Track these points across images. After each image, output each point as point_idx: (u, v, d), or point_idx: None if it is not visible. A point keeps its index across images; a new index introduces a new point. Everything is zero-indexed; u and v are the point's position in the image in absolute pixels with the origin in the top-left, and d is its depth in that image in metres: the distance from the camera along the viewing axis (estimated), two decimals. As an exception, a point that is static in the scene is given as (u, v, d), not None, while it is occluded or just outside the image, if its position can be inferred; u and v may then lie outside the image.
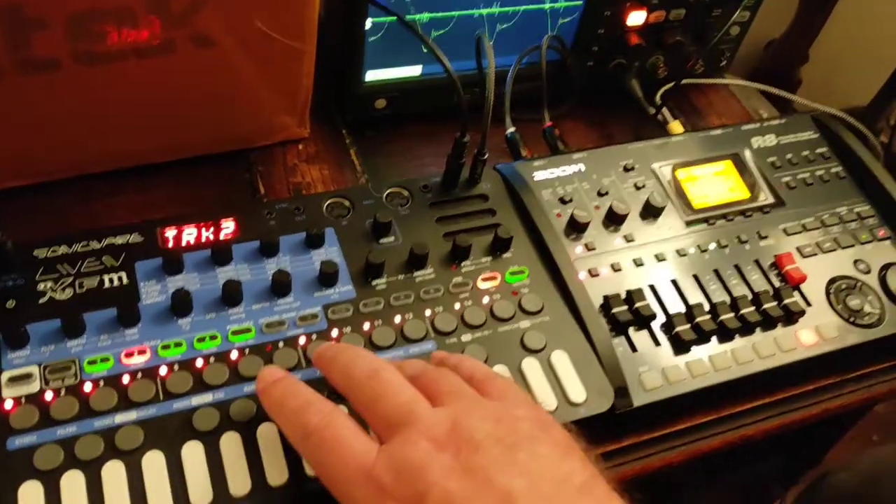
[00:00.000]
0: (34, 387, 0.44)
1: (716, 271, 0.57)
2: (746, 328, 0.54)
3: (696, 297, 0.55)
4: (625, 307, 0.53)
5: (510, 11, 0.65)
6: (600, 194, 0.59)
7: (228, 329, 0.48)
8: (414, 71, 0.66)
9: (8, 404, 0.43)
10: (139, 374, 0.45)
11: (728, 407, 0.54)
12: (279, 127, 0.64)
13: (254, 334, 0.48)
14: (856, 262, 0.60)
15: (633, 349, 0.52)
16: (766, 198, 0.62)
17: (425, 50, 0.52)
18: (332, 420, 0.38)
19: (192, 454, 0.42)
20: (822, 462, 0.95)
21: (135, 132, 0.58)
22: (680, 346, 0.53)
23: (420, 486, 0.34)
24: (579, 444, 0.38)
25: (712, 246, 0.58)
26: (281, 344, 0.48)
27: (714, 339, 0.54)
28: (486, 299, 0.52)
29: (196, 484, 0.41)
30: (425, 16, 0.62)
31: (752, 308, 0.55)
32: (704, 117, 0.77)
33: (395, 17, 0.56)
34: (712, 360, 0.53)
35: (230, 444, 0.43)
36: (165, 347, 0.46)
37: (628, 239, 0.58)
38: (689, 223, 0.59)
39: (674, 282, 0.56)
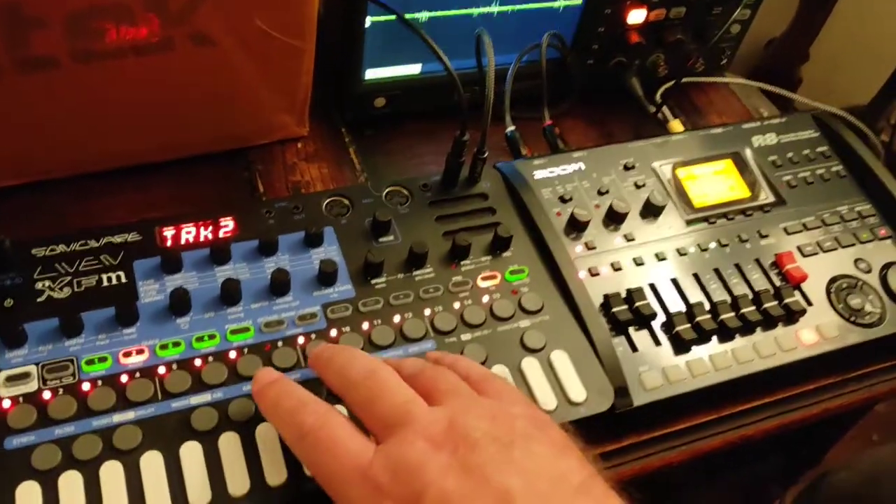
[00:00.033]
0: (32, 386, 0.44)
1: (716, 270, 0.57)
2: (747, 327, 0.54)
3: (696, 296, 0.55)
4: (625, 306, 0.53)
5: (509, 10, 0.65)
6: (600, 193, 0.59)
7: (227, 328, 0.48)
8: (413, 69, 0.66)
9: (6, 404, 0.43)
10: (137, 374, 0.45)
11: (728, 406, 0.54)
12: (278, 125, 0.64)
13: (252, 334, 0.48)
14: (856, 261, 0.60)
15: (634, 348, 0.52)
16: (766, 197, 0.62)
17: (430, 48, 0.52)
18: (327, 420, 0.38)
19: (191, 454, 0.42)
20: (822, 462, 0.95)
21: (134, 131, 0.58)
22: (680, 346, 0.53)
23: (417, 485, 0.34)
24: (577, 444, 0.38)
25: (713, 245, 0.58)
26: (280, 343, 0.48)
27: (714, 338, 0.54)
28: (485, 298, 0.52)
29: (194, 484, 0.41)
30: (424, 14, 0.62)
31: (753, 307, 0.55)
32: (705, 116, 0.77)
33: (394, 16, 0.56)
34: (713, 360, 0.53)
35: (229, 443, 0.43)
36: (164, 347, 0.46)
37: (628, 238, 0.57)
38: (689, 222, 0.59)
39: (674, 281, 0.56)
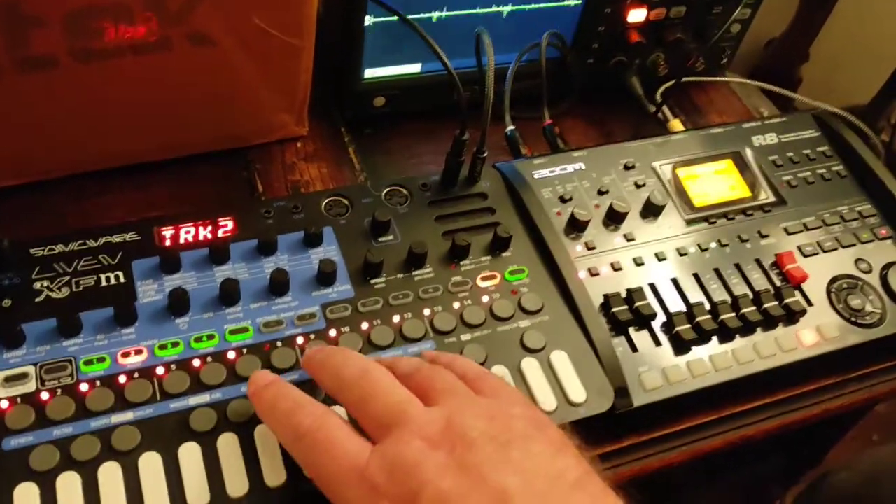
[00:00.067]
0: (30, 387, 0.44)
1: (716, 270, 0.57)
2: (747, 328, 0.54)
3: (696, 296, 0.55)
4: (625, 307, 0.53)
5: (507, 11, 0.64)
6: (600, 193, 0.59)
7: (226, 328, 0.47)
8: (413, 68, 0.66)
9: (3, 404, 0.43)
10: (136, 374, 0.45)
11: (728, 407, 0.54)
12: (277, 125, 0.64)
13: (251, 334, 0.48)
14: (857, 261, 0.60)
15: (634, 349, 0.52)
16: (767, 196, 0.62)
17: (430, 47, 0.52)
18: (324, 421, 0.38)
19: (189, 455, 0.42)
20: (823, 462, 0.95)
21: (132, 130, 0.58)
22: (680, 346, 0.53)
23: (414, 484, 0.34)
24: (574, 442, 0.38)
25: (713, 245, 0.58)
26: (279, 343, 0.47)
27: (714, 338, 0.53)
28: (485, 298, 0.52)
29: (193, 485, 0.41)
30: (434, 15, 0.62)
31: (753, 307, 0.54)
32: (705, 115, 0.77)
33: (394, 15, 0.56)
34: (713, 360, 0.52)
35: (227, 444, 0.43)
36: (162, 347, 0.46)
37: (628, 238, 0.57)
38: (689, 222, 0.59)
39: (674, 281, 0.56)
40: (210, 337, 0.47)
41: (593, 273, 0.55)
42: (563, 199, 0.58)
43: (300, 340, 0.48)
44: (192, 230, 0.51)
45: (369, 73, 0.64)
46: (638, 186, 0.60)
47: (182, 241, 0.51)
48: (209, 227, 0.52)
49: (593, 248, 0.56)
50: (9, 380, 0.43)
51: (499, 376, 0.46)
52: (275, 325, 0.48)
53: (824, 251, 0.60)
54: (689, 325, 0.53)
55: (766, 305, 0.55)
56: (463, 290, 0.52)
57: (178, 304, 0.47)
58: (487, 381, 0.41)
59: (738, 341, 0.54)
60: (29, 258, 0.48)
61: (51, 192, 0.58)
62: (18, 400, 0.43)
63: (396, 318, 0.50)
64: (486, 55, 0.53)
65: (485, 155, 0.57)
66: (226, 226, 0.52)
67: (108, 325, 0.46)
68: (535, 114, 0.67)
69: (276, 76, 0.59)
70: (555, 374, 0.49)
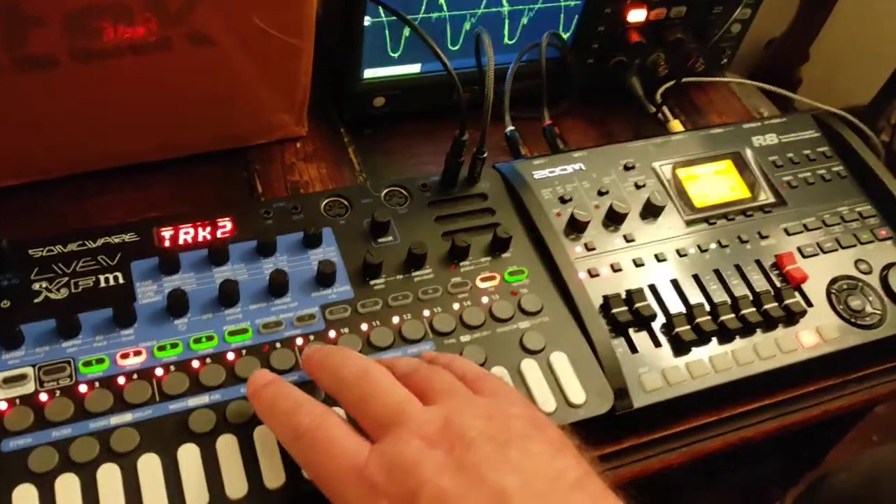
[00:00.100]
0: (29, 388, 0.43)
1: (716, 271, 0.57)
2: (747, 329, 0.54)
3: (696, 297, 0.55)
4: (625, 308, 0.53)
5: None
6: (600, 193, 0.59)
7: (225, 330, 0.47)
8: (413, 69, 0.65)
9: (2, 406, 0.43)
10: (135, 376, 0.45)
11: (728, 408, 0.54)
12: (277, 125, 0.64)
13: (251, 335, 0.47)
14: (857, 262, 0.60)
15: (633, 350, 0.52)
16: (766, 197, 0.62)
17: (429, 47, 0.52)
18: (323, 421, 0.38)
19: (188, 456, 0.42)
20: (822, 463, 0.95)
21: (132, 130, 0.57)
22: (680, 347, 0.53)
23: (412, 483, 0.34)
24: (573, 442, 0.38)
25: (713, 246, 0.58)
26: (278, 345, 0.47)
27: (714, 339, 0.53)
28: (485, 299, 0.52)
29: (192, 487, 0.41)
30: (434, 15, 0.61)
31: (753, 308, 0.54)
32: (705, 115, 0.77)
33: (393, 15, 0.55)
34: (713, 361, 0.52)
35: (227, 446, 0.43)
36: (161, 348, 0.46)
37: (628, 239, 0.57)
38: (689, 223, 0.59)
39: (674, 282, 0.56)
40: (209, 338, 0.47)
41: (593, 274, 0.55)
42: (562, 200, 0.58)
43: (299, 342, 0.48)
44: (192, 231, 0.51)
45: (369, 73, 0.64)
46: (638, 187, 0.60)
47: (181, 241, 0.51)
48: (208, 228, 0.52)
49: (593, 249, 0.56)
50: (7, 381, 0.43)
51: (498, 377, 0.46)
52: (274, 326, 0.48)
53: (824, 252, 0.59)
54: (688, 326, 0.53)
55: (765, 306, 0.54)
56: (462, 291, 0.52)
57: (177, 305, 0.47)
58: (486, 381, 0.41)
59: (738, 342, 0.54)
60: (28, 259, 0.48)
61: (50, 193, 0.57)
62: (17, 401, 0.43)
63: (396, 320, 0.50)
64: (486, 55, 0.53)
65: (484, 155, 0.57)
66: (225, 226, 0.52)
67: (107, 327, 0.46)
68: (534, 114, 0.67)
69: (275, 76, 0.59)
70: (554, 376, 0.49)
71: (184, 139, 0.60)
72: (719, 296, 0.55)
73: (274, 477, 0.42)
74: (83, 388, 0.44)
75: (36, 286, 0.47)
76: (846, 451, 0.95)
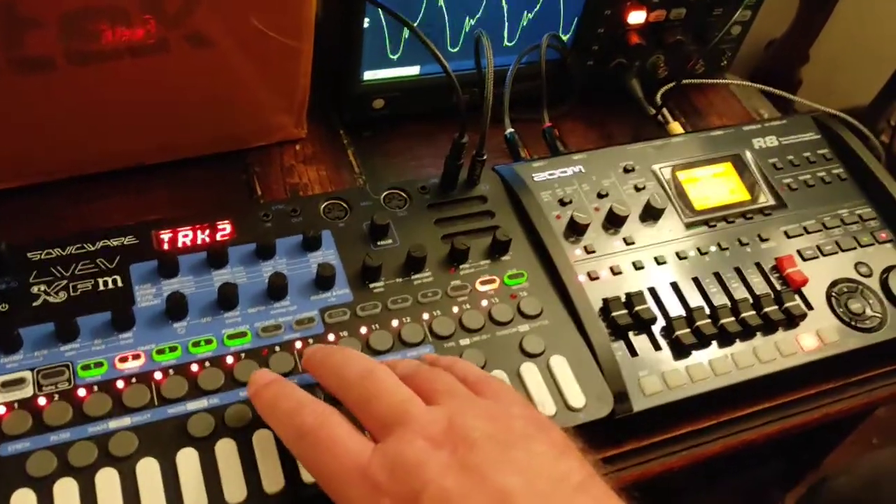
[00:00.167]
0: (27, 392, 0.43)
1: (716, 274, 0.57)
2: (747, 332, 0.54)
3: (696, 300, 0.55)
4: (624, 311, 0.53)
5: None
6: (600, 196, 0.59)
7: (224, 333, 0.47)
8: (412, 70, 0.65)
9: (0, 410, 0.42)
10: (133, 379, 0.45)
11: (728, 411, 0.54)
12: (276, 127, 0.63)
13: (249, 338, 0.47)
14: (857, 264, 0.59)
15: (633, 353, 0.52)
16: (766, 199, 0.62)
17: (428, 49, 0.52)
18: (326, 420, 0.38)
19: (187, 461, 0.42)
20: (822, 465, 0.95)
21: (130, 132, 0.57)
22: (680, 351, 0.52)
23: (416, 483, 0.34)
24: (577, 445, 0.38)
25: (713, 248, 0.58)
26: (277, 348, 0.47)
27: (714, 343, 0.53)
28: (484, 303, 0.52)
29: (191, 491, 0.41)
30: (440, 14, 0.61)
31: (753, 312, 0.54)
32: (705, 117, 0.76)
33: (393, 17, 0.55)
34: (712, 365, 0.52)
35: (225, 450, 0.42)
36: (160, 352, 0.46)
37: (628, 241, 0.57)
38: (689, 225, 0.59)
39: (674, 285, 0.55)
40: (208, 341, 0.47)
41: (593, 277, 0.55)
42: (562, 203, 0.58)
43: (298, 345, 0.48)
44: (190, 234, 0.51)
45: (368, 75, 0.64)
46: (638, 189, 0.60)
47: (180, 244, 0.51)
48: (207, 231, 0.52)
49: (593, 252, 0.56)
50: (6, 385, 0.43)
51: (499, 379, 0.46)
52: (273, 329, 0.48)
53: (824, 255, 0.59)
54: (688, 330, 0.53)
55: (766, 309, 0.54)
56: (462, 295, 0.52)
57: (175, 308, 0.47)
58: (488, 383, 0.41)
59: (738, 346, 0.54)
60: (26, 262, 0.48)
61: (49, 195, 0.57)
62: (15, 405, 0.43)
63: (395, 323, 0.50)
64: (486, 57, 0.53)
65: (484, 158, 0.56)
66: (224, 229, 0.52)
67: (105, 330, 0.46)
68: (534, 116, 0.67)
69: (274, 78, 0.59)
70: (554, 379, 0.49)
71: (182, 141, 0.60)
72: (719, 299, 0.55)
73: (273, 481, 0.42)
74: (82, 392, 0.44)
75: (34, 289, 0.47)
76: (846, 453, 0.95)
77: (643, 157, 0.62)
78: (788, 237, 0.60)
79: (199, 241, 0.51)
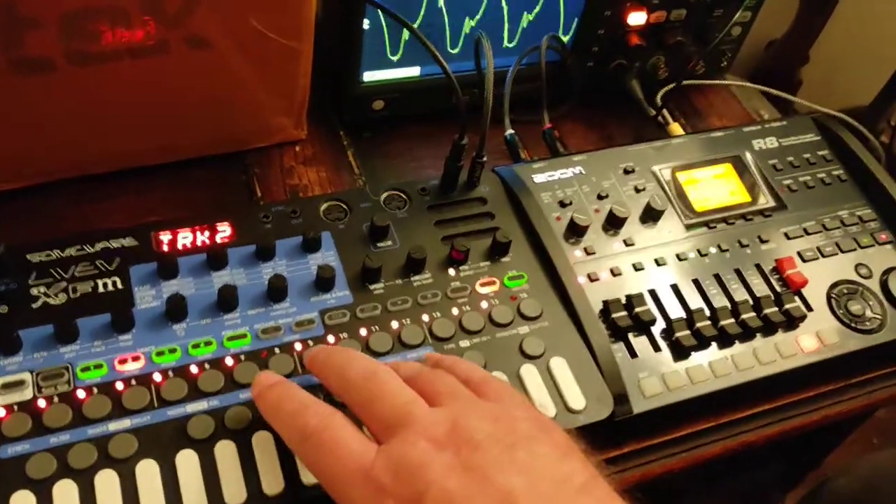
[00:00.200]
0: (27, 394, 0.43)
1: (716, 276, 0.56)
2: (747, 334, 0.54)
3: (696, 302, 0.55)
4: (624, 312, 0.53)
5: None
6: (600, 197, 0.59)
7: (224, 335, 0.47)
8: (412, 72, 0.65)
9: (0, 412, 0.42)
10: (133, 381, 0.45)
11: (728, 413, 0.54)
12: (276, 128, 0.63)
13: (249, 340, 0.47)
14: (857, 266, 0.59)
15: (633, 355, 0.52)
16: (766, 201, 0.62)
17: (428, 50, 0.51)
18: (329, 422, 0.38)
19: (187, 463, 0.42)
20: (822, 465, 0.95)
21: (129, 133, 0.57)
22: (680, 352, 0.52)
23: (419, 485, 0.34)
24: (579, 446, 0.38)
25: (713, 250, 0.58)
26: (277, 350, 0.47)
27: (714, 344, 0.53)
28: (484, 304, 0.52)
29: (190, 493, 0.41)
30: (440, 16, 0.61)
31: (753, 313, 0.54)
32: (705, 118, 0.76)
33: (393, 18, 0.55)
34: (712, 367, 0.52)
35: (225, 452, 0.42)
36: (160, 354, 0.46)
37: (628, 243, 0.57)
38: (689, 227, 0.59)
39: (674, 286, 0.55)
40: (208, 343, 0.47)
41: (593, 278, 0.55)
42: (562, 204, 0.58)
43: (298, 347, 0.48)
44: (190, 235, 0.51)
45: (368, 76, 0.64)
46: (638, 191, 0.60)
47: (180, 246, 0.51)
48: (207, 232, 0.51)
49: (593, 254, 0.56)
50: (5, 387, 0.43)
51: (502, 380, 0.46)
52: (273, 331, 0.48)
53: (824, 256, 0.59)
54: (688, 331, 0.53)
55: (765, 311, 0.54)
56: (462, 296, 0.52)
57: (175, 310, 0.47)
58: (491, 384, 0.41)
59: (738, 347, 0.54)
60: (26, 264, 0.48)
61: (49, 197, 0.57)
62: (15, 407, 0.43)
63: (395, 325, 0.49)
64: (486, 58, 0.53)
65: (484, 159, 0.56)
66: (224, 231, 0.52)
67: (105, 332, 0.46)
68: (534, 117, 0.66)
69: (274, 79, 0.59)
70: (554, 381, 0.49)
71: (182, 142, 0.60)
72: (719, 300, 0.55)
73: (272, 483, 0.42)
74: (81, 394, 0.44)
75: (34, 291, 0.47)
76: (847, 453, 0.95)
77: (643, 159, 0.62)
78: (788, 238, 0.60)
79: (198, 243, 0.51)
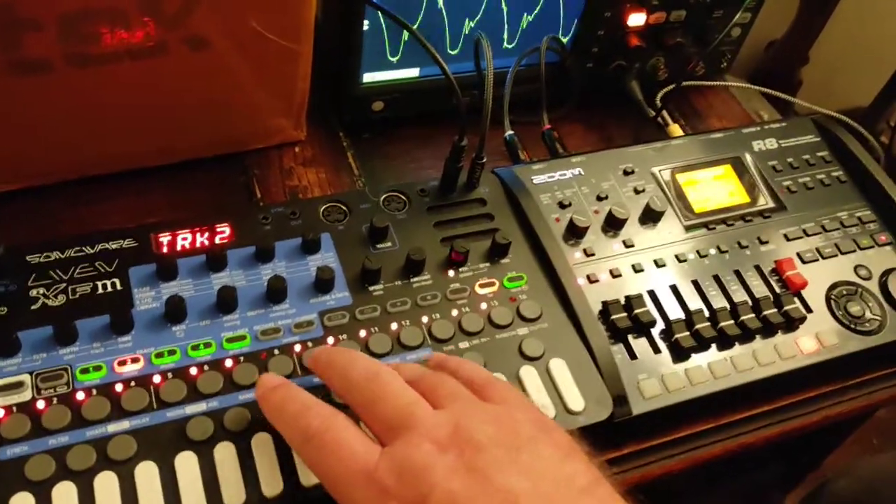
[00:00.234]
0: (26, 395, 0.43)
1: (716, 277, 0.56)
2: (746, 335, 0.54)
3: (695, 303, 0.55)
4: (624, 314, 0.53)
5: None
6: (599, 199, 0.59)
7: (223, 336, 0.47)
8: (412, 73, 0.65)
9: (-1, 413, 0.42)
10: (132, 383, 0.45)
11: (728, 414, 0.54)
12: (275, 129, 0.63)
13: (249, 342, 0.47)
14: (856, 267, 0.59)
15: (633, 356, 0.52)
16: (766, 202, 0.62)
17: (427, 51, 0.51)
18: (332, 423, 0.38)
19: (186, 464, 0.42)
20: (822, 466, 0.95)
21: (129, 135, 0.57)
22: (679, 354, 0.52)
23: (423, 487, 0.34)
24: (582, 448, 0.38)
25: (712, 251, 0.58)
26: (276, 351, 0.47)
27: (714, 346, 0.53)
28: (483, 306, 0.52)
29: (189, 495, 0.41)
30: (439, 17, 0.61)
31: (752, 315, 0.54)
32: (705, 120, 0.76)
33: (392, 19, 0.55)
34: (712, 368, 0.52)
35: (224, 454, 0.42)
36: (159, 355, 0.46)
37: (627, 244, 0.57)
38: (688, 228, 0.59)
39: (673, 288, 0.55)
40: (207, 345, 0.47)
41: (592, 280, 0.55)
42: (561, 205, 0.58)
43: (298, 348, 0.48)
44: (189, 237, 0.51)
45: (368, 77, 0.64)
46: (637, 192, 0.60)
47: (179, 247, 0.51)
48: (206, 234, 0.51)
49: (592, 255, 0.56)
50: (4, 388, 0.43)
51: (506, 381, 0.45)
52: (272, 332, 0.48)
53: (824, 257, 0.59)
54: (688, 333, 0.53)
55: (765, 312, 0.54)
56: (461, 298, 0.52)
57: (174, 311, 0.47)
58: (495, 386, 0.41)
59: (738, 349, 0.54)
60: (25, 265, 0.48)
61: (48, 198, 0.57)
62: (14, 409, 0.43)
63: (394, 326, 0.49)
64: (486, 60, 0.53)
65: (483, 160, 0.56)
66: (223, 232, 0.52)
67: (104, 333, 0.46)
68: (534, 118, 0.66)
69: (273, 80, 0.59)
70: (553, 383, 0.49)
71: (182, 143, 0.60)
72: (719, 302, 0.55)
73: (272, 485, 0.42)
74: (80, 396, 0.44)
75: (33, 292, 0.47)
76: (847, 454, 0.94)
77: (643, 160, 0.62)
78: (788, 240, 0.60)
79: (198, 244, 0.51)
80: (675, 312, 0.54)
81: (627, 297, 0.53)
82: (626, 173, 0.61)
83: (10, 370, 0.44)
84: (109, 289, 0.48)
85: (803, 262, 0.59)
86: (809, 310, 0.56)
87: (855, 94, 0.99)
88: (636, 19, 0.68)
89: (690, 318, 0.53)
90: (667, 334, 0.53)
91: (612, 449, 0.51)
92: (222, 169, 0.62)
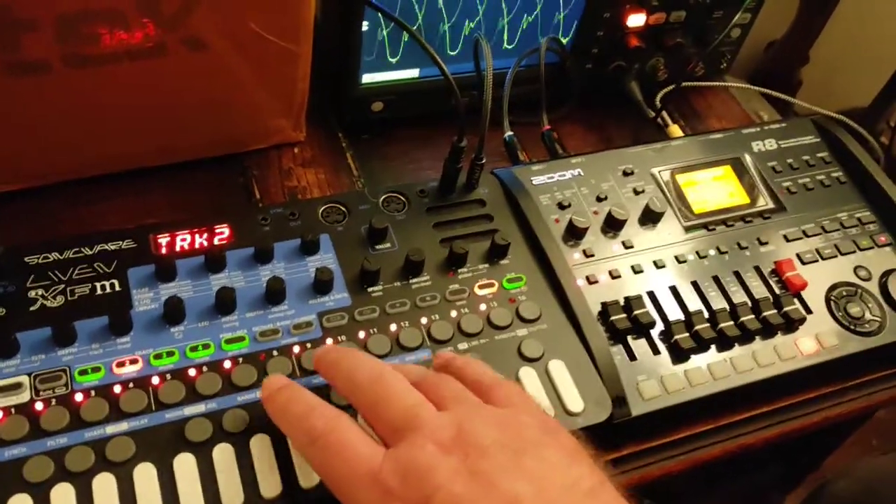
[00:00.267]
0: (24, 396, 0.43)
1: (715, 278, 0.56)
2: (746, 336, 0.54)
3: (695, 304, 0.55)
4: (623, 315, 0.53)
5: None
6: (599, 199, 0.59)
7: (222, 337, 0.47)
8: (411, 73, 0.65)
9: (-3, 415, 0.42)
10: (131, 384, 0.44)
11: (727, 416, 0.54)
12: (274, 130, 0.63)
13: (247, 343, 0.47)
14: (856, 268, 0.59)
15: (632, 357, 0.52)
16: (766, 203, 0.62)
17: (427, 52, 0.51)
18: (337, 424, 0.38)
19: (184, 466, 0.42)
20: (822, 467, 0.95)
21: (127, 136, 0.57)
22: (679, 355, 0.52)
23: (427, 489, 0.34)
24: (587, 450, 0.38)
25: (712, 252, 0.58)
26: (275, 352, 0.47)
27: (713, 347, 0.53)
28: (482, 307, 0.51)
29: (188, 496, 0.41)
30: (439, 18, 0.61)
31: (752, 316, 0.54)
32: (704, 120, 0.76)
33: (392, 20, 0.55)
34: (711, 369, 0.52)
35: (223, 455, 0.42)
36: (158, 356, 0.46)
37: (627, 245, 0.57)
38: (688, 229, 0.59)
39: (673, 289, 0.55)
40: (206, 346, 0.47)
41: (591, 281, 0.54)
42: (561, 206, 0.58)
43: (296, 350, 0.47)
44: (188, 238, 0.51)
45: (367, 78, 0.64)
46: (637, 193, 0.60)
47: (178, 248, 0.51)
48: (205, 235, 0.51)
49: (591, 256, 0.56)
50: (2, 390, 0.43)
51: (513, 382, 0.45)
52: (271, 334, 0.48)
53: (823, 258, 0.59)
54: (687, 334, 0.53)
55: (765, 313, 0.54)
56: (460, 299, 0.52)
57: (173, 312, 0.47)
58: (500, 388, 0.41)
59: (737, 350, 0.53)
60: (24, 266, 0.48)
61: (47, 199, 0.57)
62: (12, 410, 0.43)
63: (393, 327, 0.49)
64: (485, 60, 0.53)
65: (483, 161, 0.56)
66: (222, 233, 0.52)
67: (102, 335, 0.46)
68: (533, 119, 0.66)
69: (272, 81, 0.59)
70: (552, 384, 0.49)
71: (180, 144, 0.60)
72: (718, 303, 0.55)
73: (270, 486, 0.42)
74: (79, 397, 0.44)
75: (32, 294, 0.47)
76: (846, 455, 0.94)
77: (642, 161, 0.62)
78: (787, 241, 0.60)
79: (196, 245, 0.51)
80: (675, 313, 0.54)
81: (627, 298, 0.53)
82: (625, 174, 0.61)
83: (8, 371, 0.44)
84: (108, 290, 0.48)
85: (803, 262, 0.59)
86: (809, 311, 0.56)
87: (855, 94, 0.99)
88: (636, 20, 0.68)
89: (690, 319, 0.53)
90: (666, 335, 0.53)
91: (612, 450, 0.51)
92: (221, 169, 0.62)
